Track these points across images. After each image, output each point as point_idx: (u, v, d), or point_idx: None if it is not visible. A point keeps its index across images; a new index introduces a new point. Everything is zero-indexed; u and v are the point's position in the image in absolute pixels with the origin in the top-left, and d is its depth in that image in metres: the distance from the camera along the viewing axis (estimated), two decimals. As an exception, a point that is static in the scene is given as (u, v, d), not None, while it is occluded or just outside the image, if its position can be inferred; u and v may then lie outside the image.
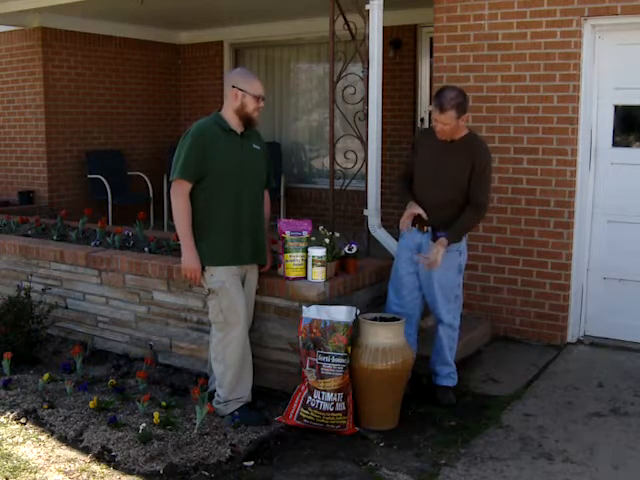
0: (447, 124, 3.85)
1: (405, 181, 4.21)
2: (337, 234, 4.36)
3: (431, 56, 6.20)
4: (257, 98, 3.75)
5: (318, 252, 4.01)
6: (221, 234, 3.76)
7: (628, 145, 5.00)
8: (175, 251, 4.84)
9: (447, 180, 3.94)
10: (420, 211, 3.96)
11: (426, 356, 4.28)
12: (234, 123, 3.78)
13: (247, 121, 3.80)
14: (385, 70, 4.86)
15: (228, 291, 3.77)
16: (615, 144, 4.95)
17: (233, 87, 3.74)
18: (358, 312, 3.82)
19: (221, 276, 3.76)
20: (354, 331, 3.79)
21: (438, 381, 4.21)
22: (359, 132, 4.83)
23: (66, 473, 3.25)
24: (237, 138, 3.80)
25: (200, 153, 3.67)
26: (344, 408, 3.74)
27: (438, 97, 3.87)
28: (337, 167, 4.90)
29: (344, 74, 4.84)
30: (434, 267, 3.92)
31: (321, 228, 4.34)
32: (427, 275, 4.04)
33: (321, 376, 3.72)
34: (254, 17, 8.13)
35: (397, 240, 4.51)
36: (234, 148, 3.77)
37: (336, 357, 3.71)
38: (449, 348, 4.17)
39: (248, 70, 4.00)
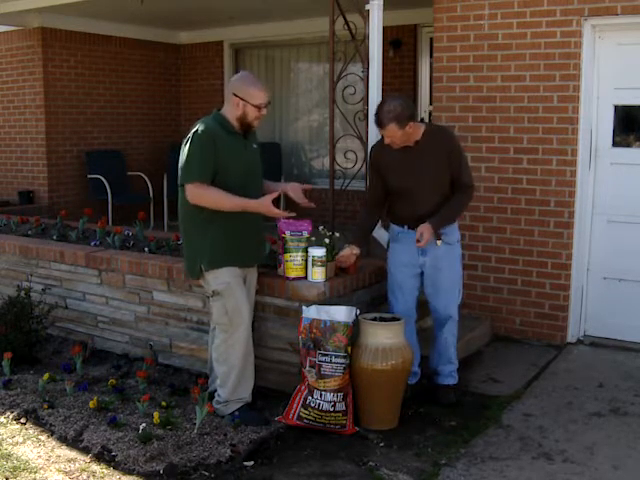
0: (392, 136, 3.81)
1: (368, 213, 4.20)
2: (337, 234, 4.35)
3: (431, 56, 6.20)
4: (258, 108, 3.72)
5: (318, 252, 4.01)
6: (227, 235, 3.74)
7: (628, 145, 5.00)
8: (175, 251, 4.85)
9: (431, 183, 3.90)
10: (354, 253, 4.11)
11: (424, 356, 4.28)
12: (235, 126, 3.78)
13: (246, 128, 3.80)
14: (385, 70, 4.86)
15: (233, 292, 3.76)
16: (615, 144, 4.95)
17: (235, 95, 3.70)
18: (358, 312, 3.82)
19: (225, 277, 3.75)
20: (354, 331, 3.79)
21: (440, 380, 4.18)
22: (359, 132, 4.83)
23: (66, 473, 3.25)
24: (240, 139, 3.79)
25: (212, 154, 3.63)
26: (344, 408, 3.74)
27: (376, 113, 3.82)
28: (337, 167, 4.90)
29: (344, 74, 4.84)
30: (423, 244, 3.86)
31: (321, 228, 4.34)
32: (437, 274, 4.01)
33: (321, 376, 3.72)
34: (254, 17, 8.13)
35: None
36: (239, 149, 3.76)
37: (336, 357, 3.71)
38: (453, 345, 4.17)
39: (252, 76, 3.90)
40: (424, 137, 3.90)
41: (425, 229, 3.83)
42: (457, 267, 4.11)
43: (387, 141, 3.87)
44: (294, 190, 4.00)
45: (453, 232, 4.03)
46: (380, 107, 3.82)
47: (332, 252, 4.14)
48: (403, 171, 3.96)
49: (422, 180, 3.91)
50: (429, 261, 4.01)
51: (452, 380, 4.19)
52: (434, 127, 4.05)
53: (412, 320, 4.15)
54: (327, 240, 4.15)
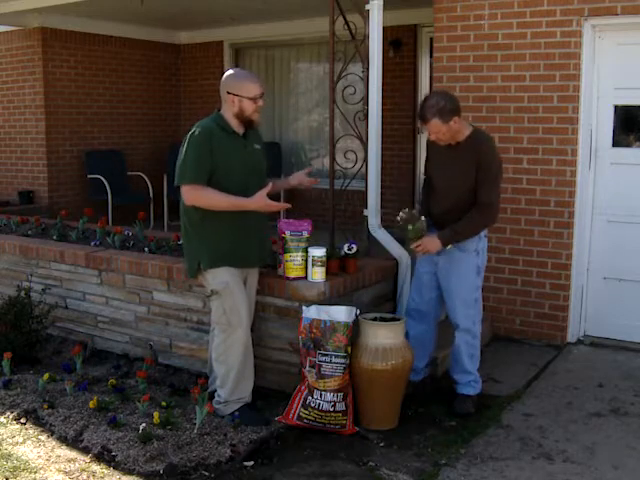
0: (437, 132, 3.77)
1: (425, 193, 4.19)
2: (420, 216, 3.99)
3: (431, 56, 6.19)
4: (254, 99, 3.72)
5: (318, 252, 4.01)
6: (226, 236, 3.74)
7: (628, 145, 5.00)
8: (175, 251, 4.85)
9: (458, 186, 3.86)
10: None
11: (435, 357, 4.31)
12: (235, 125, 3.78)
13: (248, 124, 3.79)
14: (385, 70, 4.86)
15: (232, 292, 3.76)
16: (615, 144, 4.95)
17: (228, 93, 3.71)
18: (358, 312, 3.82)
19: (224, 277, 3.75)
20: (354, 331, 3.79)
21: (458, 389, 4.08)
22: (359, 132, 4.82)
23: (66, 473, 3.25)
24: (240, 139, 3.79)
25: (208, 156, 3.64)
26: (344, 408, 3.74)
27: (419, 108, 3.79)
28: (337, 167, 4.90)
29: (344, 74, 4.83)
30: (422, 252, 3.90)
31: (405, 211, 3.96)
32: (446, 278, 3.99)
33: (321, 376, 3.72)
34: (254, 17, 8.13)
35: (397, 240, 4.51)
36: (238, 150, 3.76)
37: (336, 357, 3.71)
38: (468, 356, 4.04)
39: (241, 71, 3.93)
40: (466, 141, 3.86)
41: (429, 243, 3.86)
42: (469, 276, 3.96)
43: (432, 138, 3.83)
44: (297, 178, 4.09)
45: (471, 241, 3.93)
46: (423, 102, 3.78)
47: (419, 231, 3.91)
48: (437, 168, 4.00)
49: (449, 180, 3.91)
50: (441, 262, 4.01)
51: (471, 390, 4.06)
52: (479, 133, 3.92)
53: (429, 318, 4.15)
54: (417, 214, 3.92)
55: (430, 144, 4.05)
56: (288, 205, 3.89)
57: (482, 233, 3.99)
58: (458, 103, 3.83)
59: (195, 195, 3.65)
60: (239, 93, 3.69)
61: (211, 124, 3.73)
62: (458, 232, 3.86)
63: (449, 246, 3.90)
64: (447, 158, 3.92)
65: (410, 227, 3.88)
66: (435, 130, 3.76)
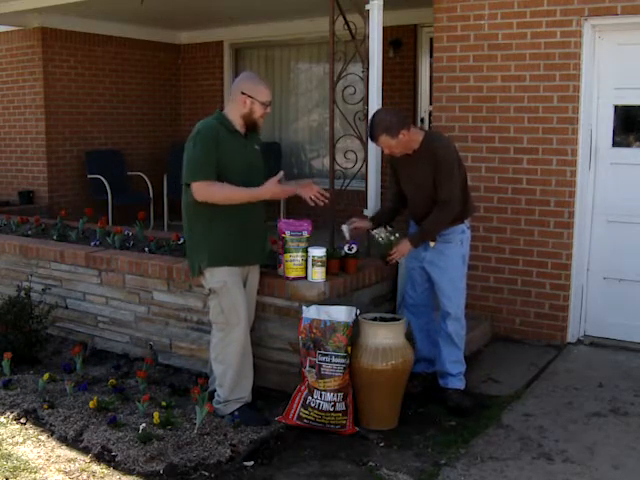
0: (388, 147, 3.92)
1: (387, 200, 4.38)
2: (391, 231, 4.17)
3: (431, 56, 6.20)
4: (265, 105, 3.78)
5: (318, 252, 4.01)
6: (225, 235, 3.75)
7: (628, 145, 5.00)
8: (175, 251, 4.85)
9: (424, 191, 3.99)
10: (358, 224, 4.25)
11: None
12: (239, 124, 3.80)
13: (252, 126, 3.84)
14: (385, 70, 4.86)
15: (229, 291, 3.77)
16: (615, 144, 4.95)
17: (242, 93, 3.74)
18: (358, 312, 3.83)
19: (222, 276, 3.76)
20: (354, 331, 3.79)
21: (451, 383, 4.11)
22: (359, 132, 4.82)
23: (66, 473, 3.25)
24: (241, 139, 3.82)
25: (215, 152, 3.67)
26: (344, 408, 3.74)
27: (369, 127, 3.97)
28: (337, 167, 4.90)
29: (344, 74, 4.83)
30: (394, 259, 4.05)
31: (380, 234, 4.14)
32: (436, 269, 4.09)
33: (321, 376, 3.72)
34: (254, 17, 8.13)
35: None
36: (239, 149, 3.79)
37: (336, 357, 3.71)
38: (459, 345, 4.12)
39: (256, 75, 4.02)
40: (420, 146, 3.98)
41: (402, 248, 3.99)
42: (457, 265, 4.11)
43: (386, 152, 4.00)
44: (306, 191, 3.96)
45: (453, 232, 4.06)
46: (371, 121, 3.98)
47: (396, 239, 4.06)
48: (405, 178, 4.12)
49: (417, 188, 4.06)
50: (428, 256, 4.11)
51: (461, 383, 4.14)
52: (431, 135, 4.07)
53: (427, 309, 4.28)
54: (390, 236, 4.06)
55: (391, 158, 4.15)
56: (307, 181, 3.97)
57: (464, 226, 4.12)
58: (404, 117, 3.99)
59: (209, 191, 3.67)
60: (253, 95, 3.74)
61: (214, 122, 3.77)
62: (426, 231, 4.02)
63: (432, 244, 4.06)
64: (410, 168, 4.04)
65: (383, 242, 4.03)
66: (386, 145, 3.92)
